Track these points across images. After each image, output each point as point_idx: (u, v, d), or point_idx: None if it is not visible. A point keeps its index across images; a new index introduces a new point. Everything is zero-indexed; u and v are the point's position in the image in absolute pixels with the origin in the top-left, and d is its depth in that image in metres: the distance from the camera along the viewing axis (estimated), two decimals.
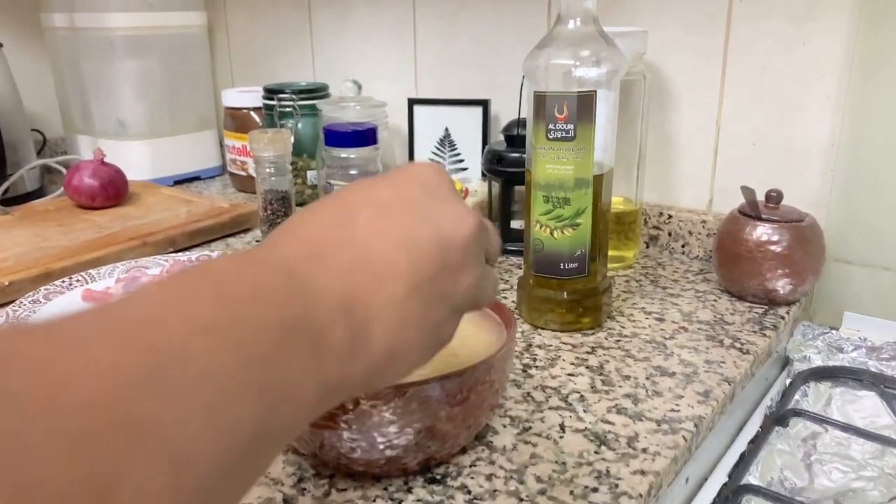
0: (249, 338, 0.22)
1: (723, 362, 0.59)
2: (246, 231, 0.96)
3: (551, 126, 0.60)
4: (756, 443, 0.57)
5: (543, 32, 0.63)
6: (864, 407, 0.64)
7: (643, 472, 0.45)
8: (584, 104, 0.59)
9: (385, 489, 0.44)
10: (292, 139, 0.99)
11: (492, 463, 0.46)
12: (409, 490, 0.44)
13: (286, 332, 0.24)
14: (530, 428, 0.50)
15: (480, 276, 0.34)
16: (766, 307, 0.69)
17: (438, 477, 0.45)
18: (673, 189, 0.85)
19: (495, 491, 0.44)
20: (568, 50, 0.59)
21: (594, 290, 0.65)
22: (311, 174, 1.05)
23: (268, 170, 0.85)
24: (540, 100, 0.60)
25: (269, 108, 1.06)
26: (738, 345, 0.62)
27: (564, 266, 0.63)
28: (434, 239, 0.31)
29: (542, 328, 0.65)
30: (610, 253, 0.80)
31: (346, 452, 0.42)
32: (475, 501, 0.43)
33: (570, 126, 0.59)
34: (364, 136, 0.75)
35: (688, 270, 0.79)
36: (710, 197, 0.82)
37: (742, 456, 0.56)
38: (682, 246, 0.83)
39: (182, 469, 0.18)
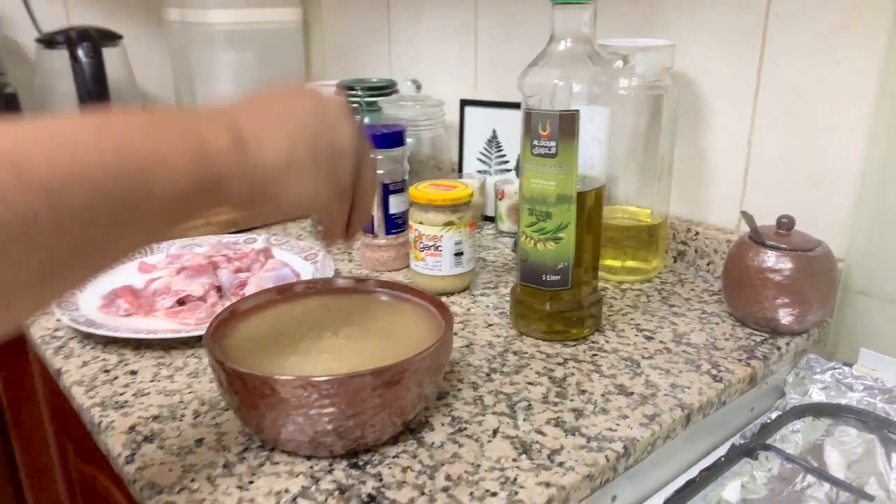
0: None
1: (687, 388, 0.59)
2: (305, 216, 1.04)
3: (535, 142, 0.62)
4: (711, 471, 0.57)
5: None
6: (859, 451, 0.61)
7: (548, 485, 0.47)
8: (567, 123, 0.60)
9: (311, 467, 0.49)
10: None
11: (414, 457, 0.50)
12: (331, 471, 0.49)
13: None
14: (465, 429, 0.54)
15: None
16: (766, 336, 0.67)
17: (361, 463, 0.50)
18: (703, 205, 0.83)
19: (404, 482, 0.48)
20: (556, 69, 0.61)
21: (578, 303, 0.66)
22: None
23: None
24: (527, 116, 0.62)
25: None
26: (713, 371, 0.61)
27: (546, 277, 0.65)
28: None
29: (527, 335, 0.68)
30: (630, 264, 0.81)
31: (273, 435, 0.48)
32: (382, 489, 0.47)
33: (553, 143, 0.61)
34: (391, 139, 0.80)
35: (706, 290, 0.78)
36: (738, 216, 0.79)
37: (690, 482, 0.56)
38: (707, 264, 0.81)
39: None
